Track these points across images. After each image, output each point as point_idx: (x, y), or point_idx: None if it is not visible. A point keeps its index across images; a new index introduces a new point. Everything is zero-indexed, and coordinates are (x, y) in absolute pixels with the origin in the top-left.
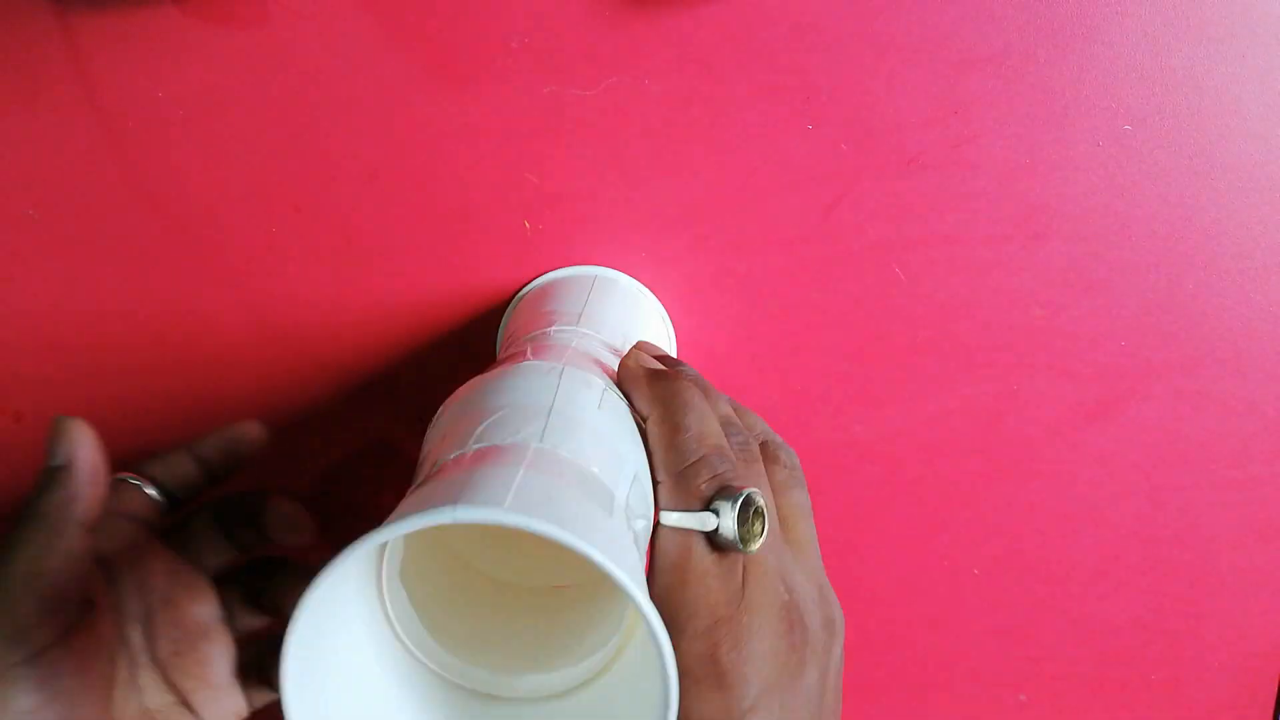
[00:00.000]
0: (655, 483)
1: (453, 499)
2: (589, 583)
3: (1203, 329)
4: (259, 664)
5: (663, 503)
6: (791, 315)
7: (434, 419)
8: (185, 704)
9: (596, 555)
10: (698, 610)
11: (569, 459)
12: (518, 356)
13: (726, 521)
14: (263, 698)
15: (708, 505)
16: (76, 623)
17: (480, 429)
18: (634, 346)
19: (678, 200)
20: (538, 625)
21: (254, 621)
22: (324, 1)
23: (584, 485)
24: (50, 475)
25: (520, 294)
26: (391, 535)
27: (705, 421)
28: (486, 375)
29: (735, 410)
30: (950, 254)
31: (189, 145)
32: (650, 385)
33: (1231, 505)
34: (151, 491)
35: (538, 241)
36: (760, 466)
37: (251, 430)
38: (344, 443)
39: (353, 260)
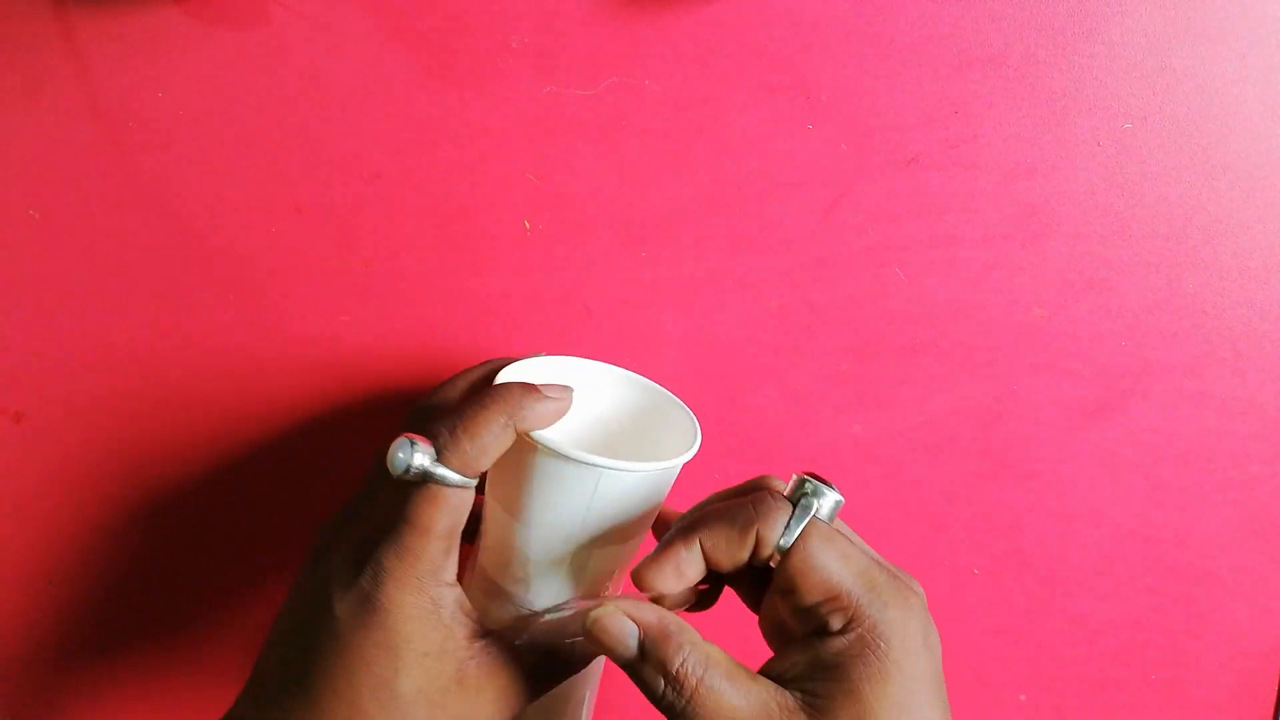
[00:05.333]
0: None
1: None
2: None
3: (1203, 329)
4: None
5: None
6: (791, 315)
7: None
8: None
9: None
10: None
11: None
12: None
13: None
14: None
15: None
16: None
17: None
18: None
19: (678, 200)
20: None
21: None
22: (324, 1)
23: None
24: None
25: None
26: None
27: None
28: None
29: None
30: (950, 254)
31: (189, 145)
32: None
33: (1231, 505)
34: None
35: (538, 241)
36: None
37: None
38: (344, 440)
39: (353, 260)
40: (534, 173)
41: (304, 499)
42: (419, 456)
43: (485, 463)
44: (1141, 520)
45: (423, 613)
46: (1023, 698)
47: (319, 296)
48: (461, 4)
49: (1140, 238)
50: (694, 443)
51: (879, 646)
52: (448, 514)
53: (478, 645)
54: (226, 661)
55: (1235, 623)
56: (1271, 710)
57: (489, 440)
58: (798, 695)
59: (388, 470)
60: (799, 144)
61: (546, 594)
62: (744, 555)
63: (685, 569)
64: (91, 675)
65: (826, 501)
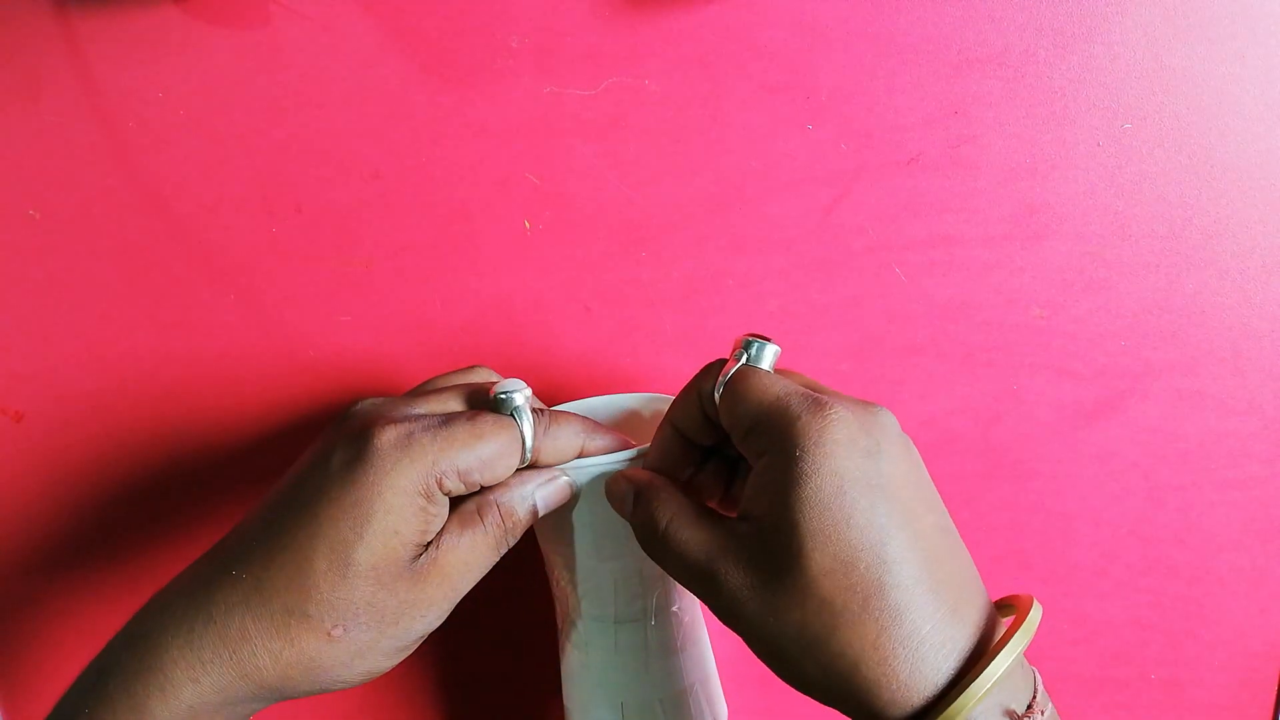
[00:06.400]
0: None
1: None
2: None
3: (1203, 329)
4: None
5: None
6: (791, 315)
7: None
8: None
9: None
10: None
11: None
12: None
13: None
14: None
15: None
16: None
17: None
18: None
19: (678, 200)
20: None
21: None
22: (324, 1)
23: None
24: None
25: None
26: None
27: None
28: None
29: None
30: (950, 254)
31: (189, 145)
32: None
33: (1231, 505)
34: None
35: (538, 241)
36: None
37: None
38: None
39: (354, 260)
40: (534, 173)
41: None
42: (520, 396)
43: (549, 450)
44: (1141, 520)
45: (414, 492)
46: None
47: (319, 296)
48: (461, 4)
49: (1140, 238)
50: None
51: (792, 454)
52: (502, 446)
53: (442, 542)
54: None
55: (1235, 623)
56: (1271, 710)
57: (564, 444)
58: (746, 523)
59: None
60: (799, 144)
61: (614, 588)
62: (698, 417)
63: (670, 448)
64: None
65: (762, 352)
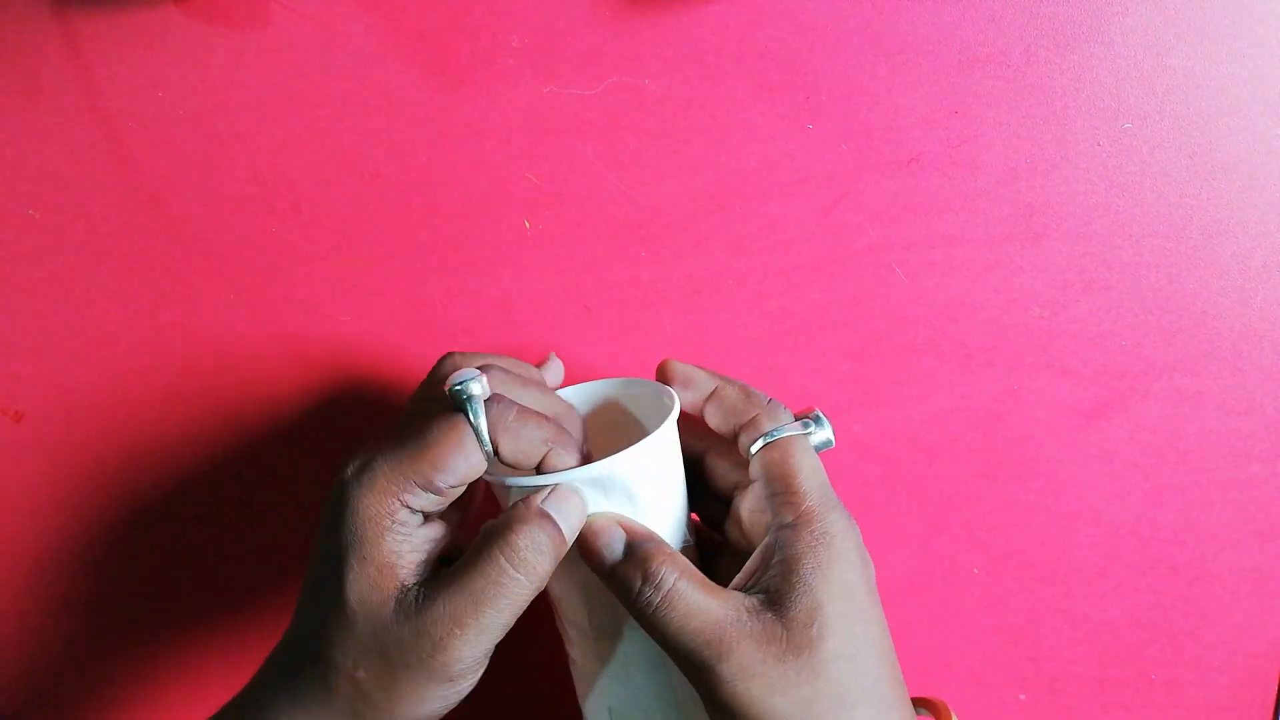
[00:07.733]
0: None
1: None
2: None
3: (1203, 329)
4: None
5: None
6: (791, 315)
7: None
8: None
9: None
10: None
11: None
12: None
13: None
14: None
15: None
16: None
17: None
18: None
19: (678, 200)
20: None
21: None
22: (324, 1)
23: None
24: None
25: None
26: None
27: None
28: None
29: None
30: (950, 254)
31: (189, 145)
32: None
33: (1231, 505)
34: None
35: (538, 241)
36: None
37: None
38: (344, 440)
39: (353, 260)
40: (534, 173)
41: (304, 498)
42: (476, 385)
43: (511, 448)
44: (1141, 520)
45: (378, 517)
46: (1022, 697)
47: (319, 296)
48: (461, 4)
49: (1140, 238)
50: (671, 408)
51: (826, 541)
52: (452, 446)
53: (436, 574)
54: (226, 660)
55: (1235, 623)
56: (1271, 710)
57: (529, 445)
58: (759, 596)
59: (424, 408)
60: (799, 144)
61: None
62: (738, 422)
63: (697, 378)
64: (91, 675)
65: (820, 431)
